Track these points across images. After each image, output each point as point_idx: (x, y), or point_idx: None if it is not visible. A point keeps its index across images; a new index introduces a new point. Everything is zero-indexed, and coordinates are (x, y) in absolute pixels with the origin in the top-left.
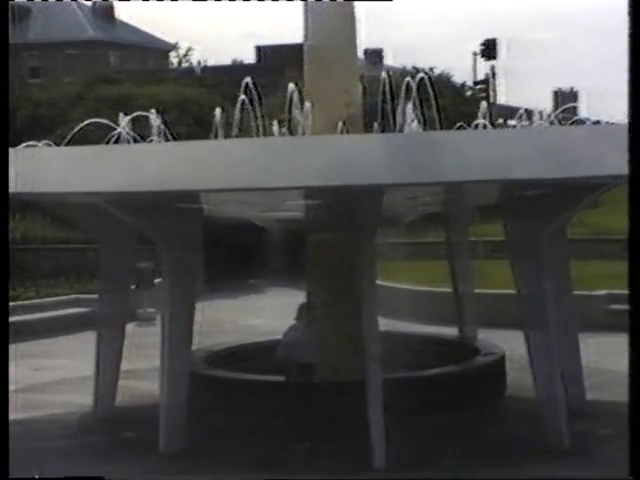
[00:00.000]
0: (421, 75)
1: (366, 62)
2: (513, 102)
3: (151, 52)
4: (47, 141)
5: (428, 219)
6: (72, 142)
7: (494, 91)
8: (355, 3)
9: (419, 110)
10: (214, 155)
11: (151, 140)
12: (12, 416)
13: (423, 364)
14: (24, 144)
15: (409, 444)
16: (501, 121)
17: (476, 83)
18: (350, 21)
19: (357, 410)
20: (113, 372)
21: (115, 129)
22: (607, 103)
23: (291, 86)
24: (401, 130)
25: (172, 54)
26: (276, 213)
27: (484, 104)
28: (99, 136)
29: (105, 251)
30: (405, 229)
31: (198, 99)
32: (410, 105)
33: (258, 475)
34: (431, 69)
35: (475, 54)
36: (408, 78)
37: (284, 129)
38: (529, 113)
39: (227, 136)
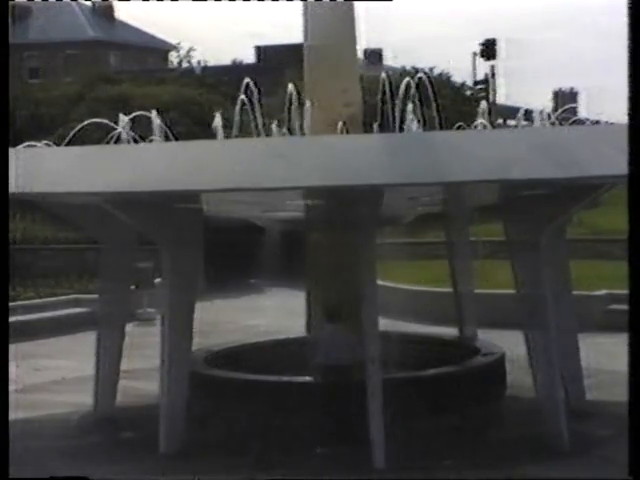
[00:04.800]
0: (420, 75)
1: (366, 62)
2: (513, 102)
3: (151, 52)
4: (47, 141)
5: (428, 219)
6: (72, 142)
7: (494, 91)
8: (355, 3)
9: (419, 110)
10: (214, 155)
11: (151, 140)
12: (12, 416)
13: (422, 364)
14: (24, 144)
15: (408, 444)
16: (501, 121)
17: (476, 83)
18: (350, 21)
19: (357, 410)
20: (113, 372)
21: (115, 129)
22: (607, 103)
23: (291, 86)
24: (401, 130)
25: (172, 54)
26: (276, 213)
27: (484, 104)
28: (99, 136)
29: (105, 251)
30: (405, 229)
31: (198, 99)
32: (410, 105)
33: (258, 475)
34: (431, 69)
35: (475, 54)
36: (408, 78)
37: (284, 129)
38: (529, 113)
39: (227, 136)
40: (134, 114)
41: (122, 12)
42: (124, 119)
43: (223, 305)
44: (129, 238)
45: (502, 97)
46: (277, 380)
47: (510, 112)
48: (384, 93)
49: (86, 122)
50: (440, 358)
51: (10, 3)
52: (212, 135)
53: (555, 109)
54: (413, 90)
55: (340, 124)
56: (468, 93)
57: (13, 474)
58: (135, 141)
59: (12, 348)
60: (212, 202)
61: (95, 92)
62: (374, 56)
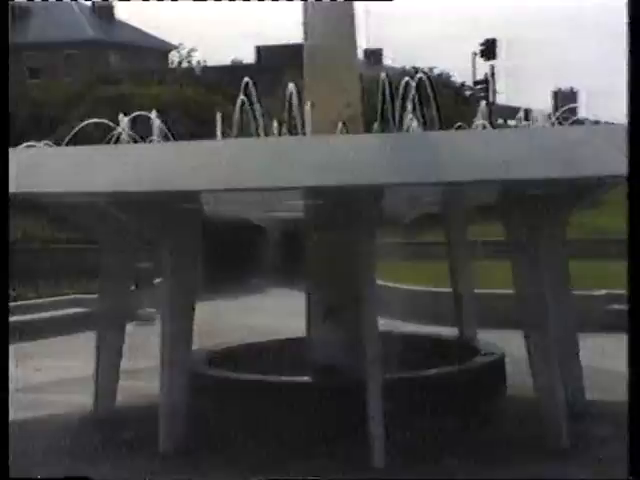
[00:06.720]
0: (420, 75)
1: (366, 62)
2: (513, 102)
3: (151, 52)
4: (47, 141)
5: (428, 219)
6: (72, 142)
7: (494, 91)
8: (355, 3)
9: (418, 110)
10: (214, 155)
11: (151, 140)
12: (12, 416)
13: (422, 364)
14: (24, 144)
15: (408, 445)
16: (501, 121)
17: (476, 83)
18: (350, 21)
19: (356, 410)
20: (113, 372)
21: (115, 129)
22: (607, 103)
23: (290, 86)
24: (400, 130)
25: (172, 54)
26: (276, 213)
27: (483, 104)
28: (99, 136)
29: (105, 251)
30: (405, 229)
31: (198, 99)
32: (409, 105)
33: (258, 475)
34: (431, 69)
35: (475, 54)
36: (407, 78)
37: (284, 129)
38: (529, 113)
39: (227, 136)
40: (134, 114)
41: (122, 12)
42: (124, 119)
43: (223, 305)
44: (129, 238)
45: (502, 97)
46: (277, 380)
47: (510, 112)
48: (384, 93)
49: (86, 122)
50: (439, 358)
51: (10, 3)
52: (212, 135)
53: (555, 109)
54: (413, 90)
55: (340, 124)
56: (468, 93)
57: (13, 474)
58: (135, 141)
59: (12, 348)
60: (212, 202)
61: (95, 92)
62: (374, 56)
